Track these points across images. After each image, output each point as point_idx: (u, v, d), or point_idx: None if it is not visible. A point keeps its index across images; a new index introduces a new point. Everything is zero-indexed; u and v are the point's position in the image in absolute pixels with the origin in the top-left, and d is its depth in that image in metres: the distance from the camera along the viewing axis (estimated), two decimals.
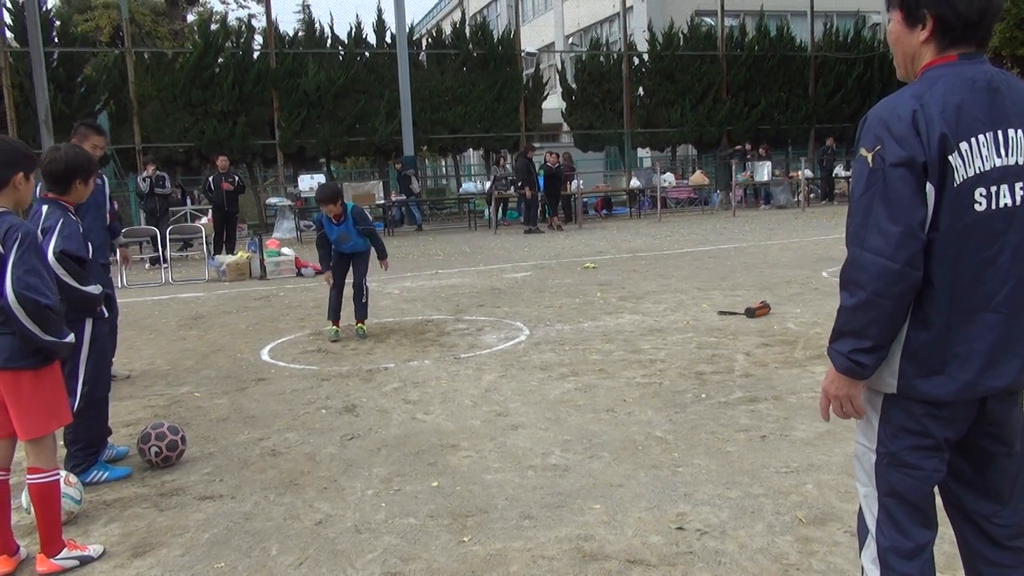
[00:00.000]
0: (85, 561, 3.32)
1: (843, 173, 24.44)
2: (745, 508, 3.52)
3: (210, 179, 15.21)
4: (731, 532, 3.30)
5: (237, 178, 15.50)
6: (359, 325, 7.68)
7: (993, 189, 1.87)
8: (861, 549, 2.15)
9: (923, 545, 2.05)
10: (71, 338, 3.28)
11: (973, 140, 1.86)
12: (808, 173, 23.58)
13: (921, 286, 1.88)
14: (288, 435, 4.84)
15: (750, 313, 7.64)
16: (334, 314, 7.59)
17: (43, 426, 3.25)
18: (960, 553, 2.19)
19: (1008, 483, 2.07)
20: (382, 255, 7.73)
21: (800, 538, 3.22)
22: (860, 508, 2.14)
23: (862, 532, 2.14)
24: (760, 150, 24.08)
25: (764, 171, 22.74)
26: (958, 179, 1.85)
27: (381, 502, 3.79)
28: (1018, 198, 1.90)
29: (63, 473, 3.73)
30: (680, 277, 10.40)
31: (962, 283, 1.89)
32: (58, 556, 3.27)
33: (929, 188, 1.84)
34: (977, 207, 1.86)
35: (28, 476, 3.26)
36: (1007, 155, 1.88)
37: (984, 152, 1.86)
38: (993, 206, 1.87)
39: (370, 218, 8.09)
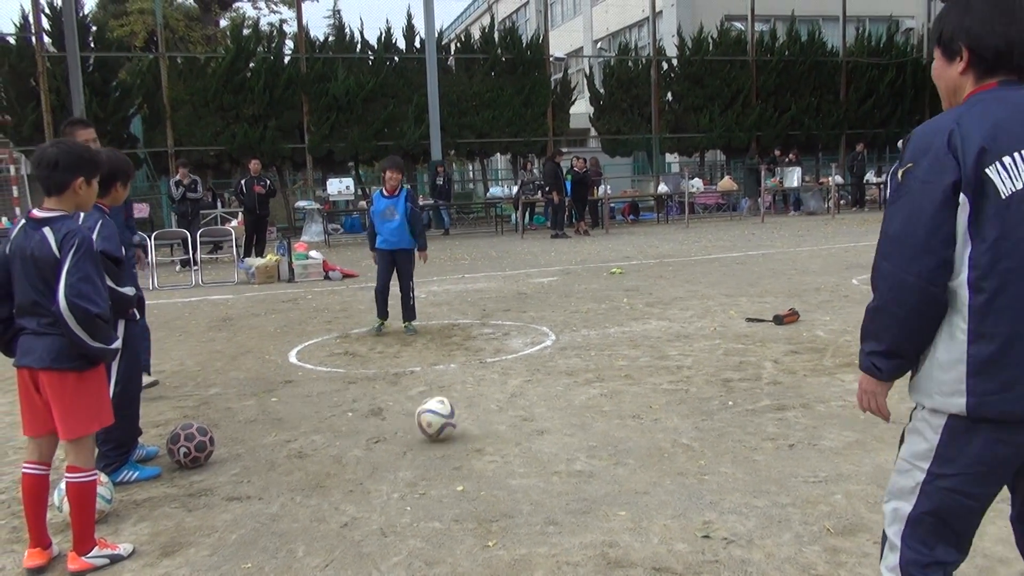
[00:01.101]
0: (115, 560, 3.36)
1: (874, 180, 24.18)
2: (772, 517, 3.49)
3: (242, 182, 15.39)
4: (758, 541, 3.27)
5: (268, 182, 15.67)
6: (407, 324, 7.97)
7: None
8: (881, 559, 2.16)
9: (948, 564, 2.05)
10: (118, 343, 3.33)
11: (1017, 154, 1.87)
12: (839, 179, 23.36)
13: (980, 298, 1.88)
14: (315, 437, 4.87)
15: (778, 320, 7.57)
16: (382, 312, 8.02)
17: (84, 427, 3.30)
18: None
19: None
20: (422, 246, 8.02)
21: (828, 548, 3.19)
22: (887, 518, 2.15)
23: (885, 543, 2.15)
24: (790, 156, 23.88)
25: (794, 177, 22.55)
26: (1005, 191, 1.86)
27: (406, 505, 3.80)
28: None
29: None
30: (707, 283, 10.34)
31: (1018, 300, 1.87)
32: (89, 554, 3.32)
33: (963, 200, 1.87)
34: None
35: (67, 475, 3.32)
36: None
37: None
38: None
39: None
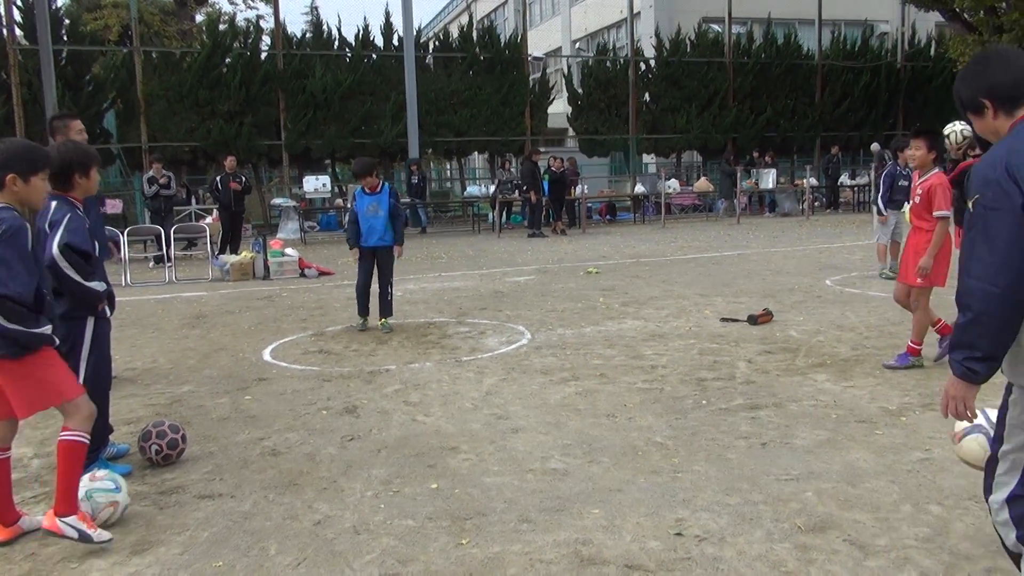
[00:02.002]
0: (84, 539, 3.37)
1: (848, 182, 24.43)
2: (744, 515, 3.51)
3: (217, 179, 15.24)
4: (730, 539, 3.29)
5: (244, 178, 15.53)
6: (383, 321, 7.99)
7: None
8: (989, 494, 2.50)
9: None
10: (46, 329, 3.32)
11: None
12: (813, 181, 23.57)
13: None
14: (288, 435, 4.85)
15: (752, 320, 7.63)
16: (363, 310, 8.03)
17: (41, 404, 3.42)
18: None
19: None
20: (399, 240, 8.08)
21: (799, 546, 3.22)
22: (991, 462, 2.52)
23: (989, 480, 2.50)
24: (766, 158, 24.06)
25: (769, 179, 22.73)
26: None
27: (380, 503, 3.79)
28: None
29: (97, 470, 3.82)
30: (683, 283, 10.40)
31: None
32: (65, 518, 3.37)
33: None
34: None
35: (60, 433, 3.44)
36: None
37: None
38: None
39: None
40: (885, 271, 10.13)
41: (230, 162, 15.37)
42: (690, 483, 3.89)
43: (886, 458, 4.13)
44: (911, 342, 5.92)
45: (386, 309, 8.00)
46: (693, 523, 3.45)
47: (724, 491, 3.77)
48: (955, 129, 7.03)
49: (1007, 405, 2.47)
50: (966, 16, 21.14)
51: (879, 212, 10.49)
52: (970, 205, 2.28)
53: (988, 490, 2.53)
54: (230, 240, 15.00)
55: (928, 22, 28.81)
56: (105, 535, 3.44)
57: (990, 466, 2.54)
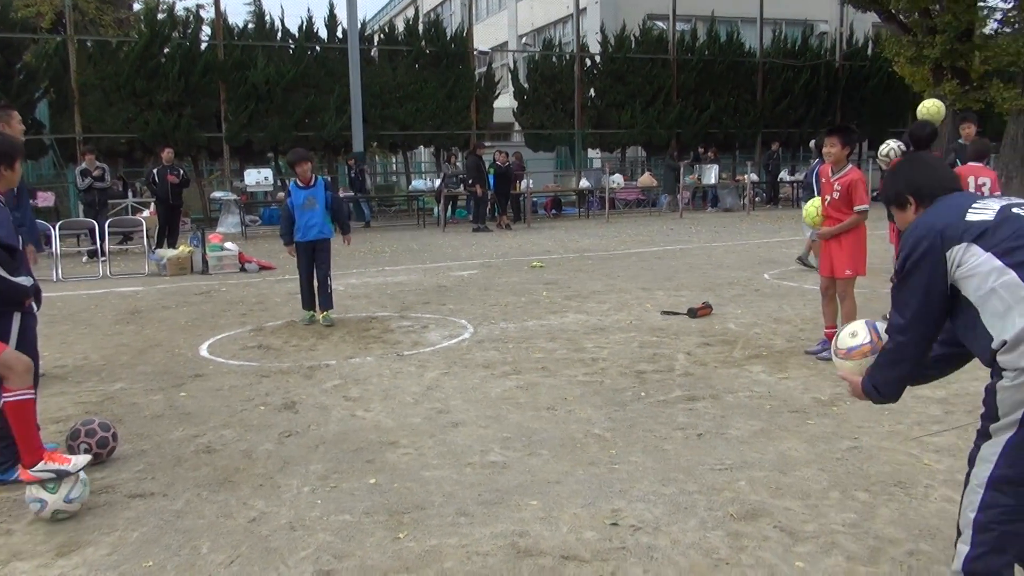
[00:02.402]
0: (61, 473, 3.49)
1: (788, 178, 24.91)
2: (679, 504, 3.56)
3: (154, 171, 14.86)
4: (664, 528, 3.34)
5: (182, 171, 15.17)
6: (324, 314, 7.92)
7: (1018, 211, 2.43)
8: (971, 470, 2.45)
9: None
10: None
11: (979, 202, 2.49)
12: (754, 177, 23.99)
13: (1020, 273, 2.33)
14: (224, 432, 4.76)
15: (692, 313, 7.74)
16: (308, 302, 7.96)
17: None
18: None
19: None
20: (346, 230, 8.11)
21: (731, 533, 3.27)
22: (979, 441, 2.45)
23: (973, 453, 2.45)
24: (709, 153, 24.41)
25: (711, 174, 23.05)
26: (991, 215, 2.43)
27: (317, 499, 3.75)
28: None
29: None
30: (625, 277, 10.50)
31: None
32: (35, 468, 3.48)
33: (959, 248, 2.41)
34: (1019, 213, 2.42)
35: (3, 396, 3.57)
36: (1012, 199, 2.53)
37: (992, 200, 2.52)
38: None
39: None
40: (810, 260, 10.41)
41: (167, 154, 15.00)
42: (627, 474, 3.93)
43: (817, 447, 4.23)
44: (827, 328, 6.07)
45: (327, 302, 7.94)
46: (629, 513, 3.49)
47: (660, 481, 3.82)
48: (891, 147, 7.37)
49: (995, 388, 2.41)
50: (901, 17, 21.69)
51: None
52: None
53: (972, 458, 2.51)
54: (167, 234, 14.67)
55: (865, 23, 29.52)
56: (82, 460, 3.61)
57: (978, 436, 2.51)
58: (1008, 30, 21.95)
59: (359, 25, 21.58)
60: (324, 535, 3.38)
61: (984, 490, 2.38)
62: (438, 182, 21.18)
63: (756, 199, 24.06)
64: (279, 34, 22.25)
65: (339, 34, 22.44)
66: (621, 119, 25.23)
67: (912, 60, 20.94)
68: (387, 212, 24.35)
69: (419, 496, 3.75)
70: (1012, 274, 2.31)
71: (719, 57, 26.19)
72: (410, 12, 31.27)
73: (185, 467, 4.23)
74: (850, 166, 6.00)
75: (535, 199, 22.27)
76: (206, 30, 22.42)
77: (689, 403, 5.04)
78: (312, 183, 7.81)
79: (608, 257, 12.81)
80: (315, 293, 7.92)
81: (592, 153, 28.09)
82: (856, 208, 5.88)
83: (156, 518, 3.61)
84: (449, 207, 20.92)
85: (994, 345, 2.37)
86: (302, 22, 22.33)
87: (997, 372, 2.40)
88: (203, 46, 21.51)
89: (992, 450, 2.39)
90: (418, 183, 24.33)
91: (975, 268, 2.36)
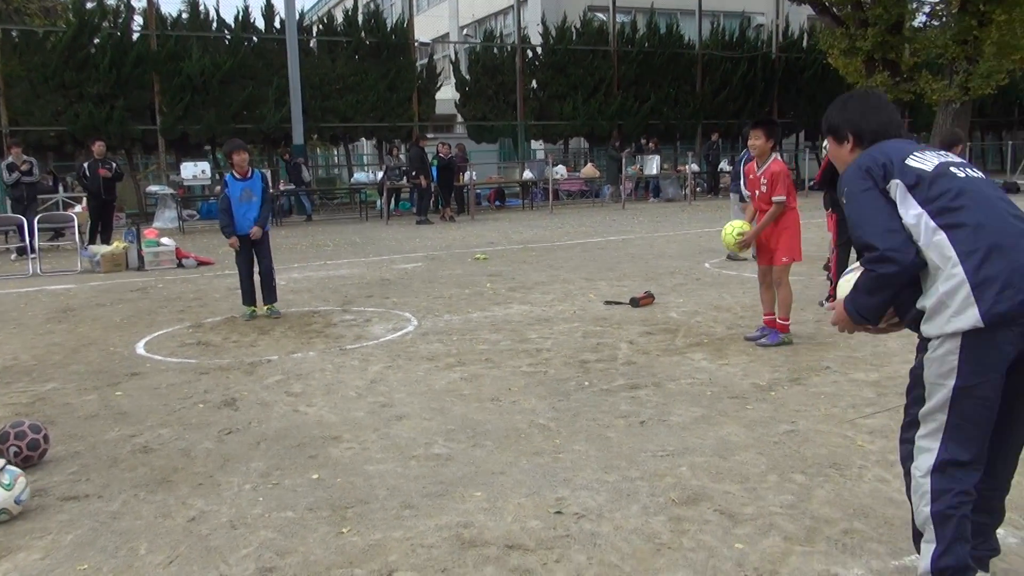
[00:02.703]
0: None
1: (728, 168, 25.32)
2: (622, 491, 3.60)
3: (84, 165, 14.39)
4: (607, 514, 3.37)
5: (115, 165, 14.72)
6: (269, 306, 7.83)
7: (959, 168, 2.48)
8: (914, 463, 2.50)
9: (979, 462, 2.44)
10: None
11: (919, 153, 2.53)
12: (695, 167, 24.33)
13: (958, 233, 2.36)
14: (162, 431, 4.66)
15: (635, 303, 7.82)
16: (248, 298, 7.81)
17: None
18: None
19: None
20: (261, 222, 7.80)
21: (673, 518, 3.32)
22: (908, 427, 2.54)
23: (909, 447, 2.53)
24: (650, 144, 24.66)
25: (653, 165, 23.30)
26: (929, 168, 2.46)
27: (258, 496, 3.70)
28: (978, 173, 2.53)
29: None
30: (569, 268, 10.56)
31: (985, 222, 2.36)
32: None
33: (895, 182, 2.47)
34: (959, 175, 2.45)
35: None
36: (950, 157, 2.54)
37: (930, 155, 2.52)
38: (969, 175, 2.48)
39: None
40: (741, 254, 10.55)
41: (98, 147, 14.54)
42: (571, 463, 3.96)
43: (755, 431, 4.31)
44: (779, 319, 6.20)
45: (270, 295, 7.84)
46: (572, 501, 3.51)
47: (603, 469, 3.86)
48: None
49: (922, 363, 2.49)
50: (835, 10, 22.18)
51: (741, 199, 10.89)
52: (844, 200, 2.54)
53: (908, 456, 2.55)
54: (100, 230, 14.25)
55: (801, 15, 30.11)
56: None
57: (906, 429, 2.56)
58: (936, 23, 22.66)
59: (297, 15, 21.24)
60: (266, 532, 3.34)
61: (931, 477, 2.43)
62: (380, 174, 21.01)
63: (697, 189, 24.41)
64: (214, 24, 21.79)
65: (277, 24, 22.07)
66: (563, 110, 25.32)
67: (845, 52, 21.45)
68: (329, 205, 24.07)
69: (363, 490, 3.72)
70: (943, 235, 2.35)
71: (659, 49, 26.47)
72: (349, 2, 30.90)
73: (121, 468, 4.12)
74: (774, 157, 6.11)
75: (478, 191, 22.23)
76: (138, 20, 21.84)
77: (632, 391, 5.10)
78: (249, 175, 7.68)
79: (552, 248, 12.86)
80: (255, 288, 7.80)
81: (535, 144, 28.15)
82: (774, 199, 6.00)
83: (91, 520, 3.52)
84: (392, 200, 20.77)
85: (918, 306, 2.45)
86: (238, 12, 21.91)
87: (923, 345, 2.47)
88: (135, 36, 20.93)
89: (930, 436, 2.45)
90: (360, 176, 24.10)
91: (908, 219, 2.41)
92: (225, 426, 4.70)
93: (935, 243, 2.37)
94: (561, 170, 23.48)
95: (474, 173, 21.28)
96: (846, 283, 2.71)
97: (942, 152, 2.56)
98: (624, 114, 25.79)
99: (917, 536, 2.53)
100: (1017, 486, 3.49)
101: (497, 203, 23.54)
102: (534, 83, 25.59)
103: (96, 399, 5.35)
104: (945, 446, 2.43)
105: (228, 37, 21.75)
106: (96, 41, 20.19)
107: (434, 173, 19.18)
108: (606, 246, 12.90)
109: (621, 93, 25.90)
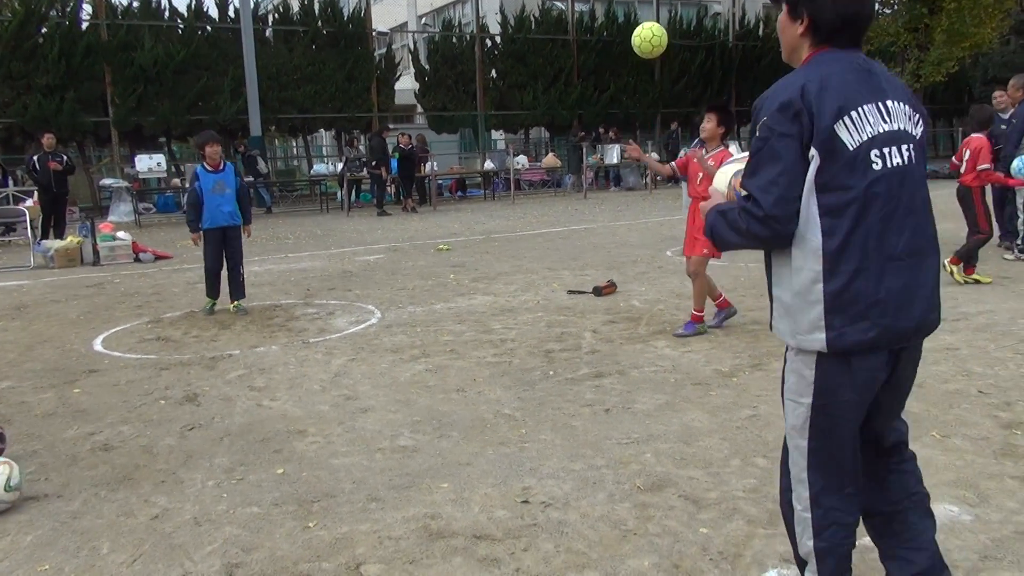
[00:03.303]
0: None
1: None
2: (587, 479, 3.63)
3: (34, 158, 14.03)
4: (573, 503, 3.40)
5: (65, 157, 14.36)
6: (237, 303, 7.69)
7: (885, 151, 2.13)
8: (792, 496, 2.34)
9: (853, 486, 2.29)
10: None
11: (860, 109, 2.11)
12: (655, 156, 24.48)
13: (833, 242, 2.09)
14: (122, 428, 4.59)
15: (597, 292, 7.86)
16: (213, 290, 7.68)
17: None
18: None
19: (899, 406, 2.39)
20: (248, 220, 7.81)
21: (638, 504, 3.36)
22: (786, 459, 2.36)
23: (786, 482, 2.36)
24: (611, 133, 24.76)
25: (614, 154, 23.41)
26: (852, 143, 2.09)
27: (223, 493, 3.66)
28: (905, 158, 2.17)
29: None
30: (532, 258, 10.58)
31: (871, 236, 2.10)
32: None
33: (813, 153, 2.08)
34: (875, 167, 2.11)
35: None
36: (891, 121, 2.16)
37: (871, 119, 2.12)
38: (888, 165, 2.13)
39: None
40: None
41: (48, 139, 14.16)
42: (536, 452, 3.98)
43: (719, 417, 4.37)
44: (694, 310, 6.23)
45: (238, 291, 7.71)
46: (539, 490, 3.54)
47: (569, 458, 3.89)
48: None
49: (783, 376, 2.31)
50: None
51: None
52: (758, 128, 2.15)
53: (786, 489, 2.38)
54: (53, 224, 13.92)
55: (756, 4, 30.49)
56: None
57: (783, 463, 2.40)
58: (888, 11, 23.04)
59: (252, 4, 20.92)
60: (231, 528, 3.31)
61: (811, 512, 2.29)
62: (340, 166, 20.83)
63: (657, 178, 24.56)
64: (167, 13, 21.37)
65: (231, 13, 21.71)
66: (523, 100, 25.31)
67: None
68: (289, 197, 23.81)
69: (328, 484, 3.71)
70: (818, 237, 2.10)
71: (617, 38, 26.55)
72: None
73: (81, 466, 4.06)
74: (723, 146, 6.08)
75: (440, 181, 22.16)
76: (87, 8, 21.31)
77: (596, 380, 5.14)
78: (221, 167, 7.56)
79: (514, 238, 12.87)
80: (220, 281, 7.67)
81: (496, 135, 28.12)
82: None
83: (51, 520, 3.46)
84: (353, 191, 20.61)
85: (773, 291, 2.27)
86: (191, 1, 21.50)
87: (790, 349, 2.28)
88: (84, 26, 20.45)
89: (797, 464, 2.31)
90: (320, 167, 23.87)
91: (806, 205, 2.12)
92: (187, 422, 4.64)
93: (809, 239, 2.12)
94: (522, 160, 23.49)
95: (435, 163, 21.19)
96: (723, 176, 2.52)
97: (886, 103, 2.16)
98: (584, 103, 25.86)
99: (801, 565, 2.41)
100: (970, 465, 3.60)
101: (459, 194, 23.48)
102: (494, 73, 25.54)
103: (53, 397, 5.25)
104: (815, 474, 2.27)
105: (181, 26, 21.37)
106: (44, 31, 19.69)
107: (394, 164, 19.06)
108: (568, 235, 12.95)
109: (581, 82, 25.96)
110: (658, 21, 27.27)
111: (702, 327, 6.20)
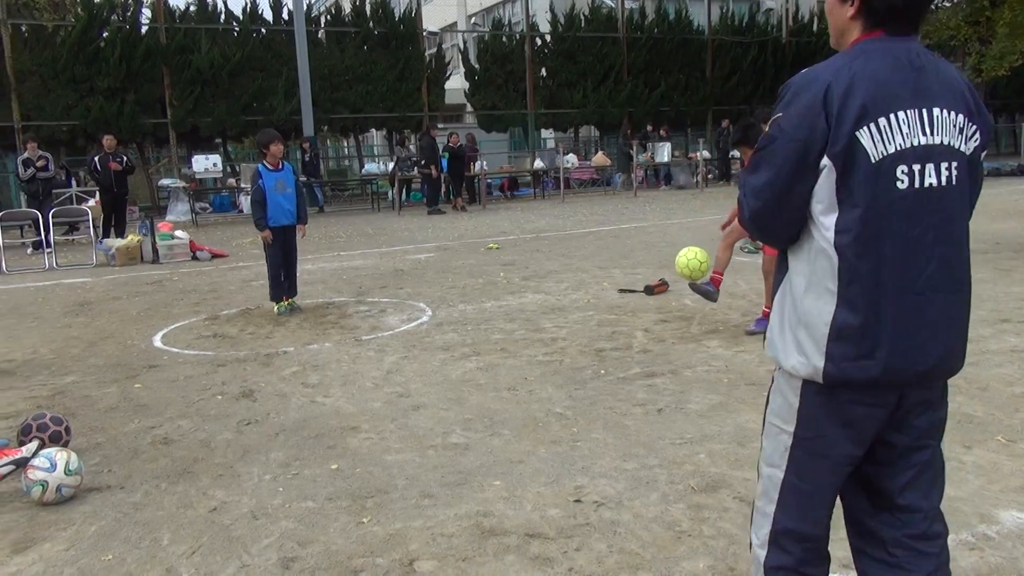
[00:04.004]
0: (20, 463, 3.57)
1: (738, 154, 25.24)
2: (640, 479, 3.61)
3: (95, 159, 14.44)
4: (627, 503, 3.38)
5: (125, 158, 14.75)
6: (290, 300, 7.77)
7: (916, 168, 1.82)
8: (752, 526, 2.09)
9: (819, 535, 2.01)
10: None
11: (892, 116, 1.80)
12: (706, 154, 24.22)
13: (844, 265, 1.82)
14: (181, 423, 4.69)
15: (649, 291, 7.80)
16: (277, 294, 7.70)
17: None
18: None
19: (919, 483, 2.01)
20: (304, 219, 7.88)
21: (692, 505, 3.33)
22: (760, 485, 2.08)
23: (754, 511, 2.10)
24: (661, 131, 24.57)
25: (664, 152, 23.21)
26: (875, 155, 1.79)
27: (278, 487, 3.72)
28: (943, 178, 1.84)
29: None
30: (582, 256, 10.54)
31: (887, 263, 1.81)
32: None
33: (828, 164, 1.81)
34: (899, 185, 1.81)
35: None
36: (932, 134, 1.83)
37: (905, 129, 1.81)
38: (916, 185, 1.82)
39: None
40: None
41: (108, 141, 14.55)
42: (589, 451, 3.96)
43: None
44: (765, 307, 6.17)
45: (292, 288, 7.81)
46: (592, 490, 3.52)
47: (621, 457, 3.86)
48: None
49: (768, 397, 2.07)
50: None
51: None
52: (770, 124, 1.92)
53: (751, 517, 2.13)
54: (115, 223, 14.31)
55: None
56: (32, 444, 3.68)
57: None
58: (948, 4, 22.44)
59: (305, 6, 21.24)
60: (287, 522, 3.36)
61: (766, 549, 2.03)
62: (391, 165, 21.02)
63: (709, 176, 24.29)
64: (223, 16, 21.82)
65: (285, 16, 22.06)
66: (573, 98, 25.25)
67: None
68: (340, 196, 24.10)
69: (382, 480, 3.74)
70: (834, 256, 1.84)
71: (668, 35, 26.34)
72: None
73: (142, 459, 4.16)
74: None
75: (490, 180, 22.22)
76: (146, 13, 21.86)
77: (648, 379, 5.10)
78: (281, 167, 7.66)
79: (564, 237, 12.85)
80: (283, 281, 7.73)
81: (545, 133, 28.10)
82: None
83: (114, 511, 3.55)
84: (404, 190, 20.79)
85: (775, 298, 2.04)
86: (246, 4, 21.91)
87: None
88: (143, 29, 20.97)
89: (765, 494, 2.04)
90: (371, 166, 24.10)
91: (821, 219, 1.86)
92: (244, 417, 4.73)
93: (818, 258, 1.87)
94: (572, 158, 23.43)
95: (485, 162, 21.25)
96: None
97: (933, 112, 1.85)
98: (634, 101, 25.69)
99: None
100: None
101: (509, 193, 23.51)
102: (543, 71, 25.52)
103: (115, 391, 5.39)
104: (781, 511, 1.99)
105: (237, 29, 21.78)
106: (105, 35, 20.24)
107: (444, 163, 19.17)
108: (619, 234, 12.88)
109: (631, 80, 25.79)
110: (709, 17, 27.03)
111: None
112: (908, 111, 1.81)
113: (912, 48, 1.87)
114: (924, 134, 1.82)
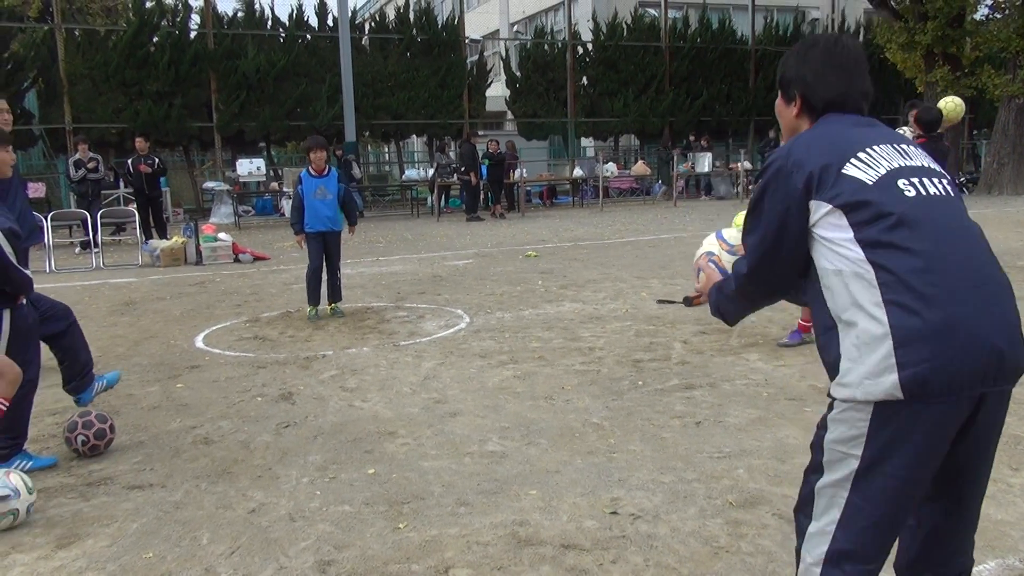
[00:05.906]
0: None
1: None
2: (678, 492, 3.57)
3: (128, 162, 14.66)
4: (664, 516, 3.35)
5: (156, 160, 14.79)
6: (334, 305, 7.81)
7: (915, 180, 1.92)
8: (804, 543, 2.00)
9: (881, 558, 1.97)
10: None
11: (870, 149, 1.95)
12: (747, 165, 24.00)
13: (885, 274, 1.83)
14: (222, 423, 4.76)
15: (688, 302, 7.67)
16: (314, 298, 7.72)
17: None
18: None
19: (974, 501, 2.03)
20: (352, 220, 7.96)
21: (730, 521, 3.29)
22: (806, 499, 2.01)
23: (804, 523, 2.01)
24: (702, 141, 24.41)
25: (705, 162, 23.06)
26: (871, 178, 1.90)
27: (316, 490, 3.75)
28: (941, 190, 1.94)
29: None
30: (620, 266, 10.50)
31: (927, 258, 1.83)
32: None
33: (824, 206, 1.91)
34: (907, 193, 1.89)
35: None
36: (912, 159, 1.98)
37: (887, 155, 1.95)
38: (923, 193, 1.91)
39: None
40: None
41: (140, 143, 14.69)
42: (625, 463, 3.94)
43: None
44: (801, 320, 6.09)
45: (336, 294, 7.84)
46: (628, 502, 3.50)
47: (659, 470, 3.83)
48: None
49: (826, 424, 1.98)
50: (893, 3, 21.70)
51: None
52: (758, 185, 2.07)
53: (800, 534, 2.04)
54: (153, 225, 14.46)
55: (857, 9, 29.51)
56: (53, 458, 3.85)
57: (803, 502, 2.05)
58: (999, 16, 22.00)
59: (349, 13, 21.49)
60: (324, 525, 3.38)
61: (822, 568, 1.95)
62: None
63: (750, 187, 24.07)
64: (269, 22, 22.16)
65: (329, 22, 22.35)
66: (614, 107, 25.19)
67: (904, 46, 21.00)
68: (380, 202, 24.30)
69: (418, 486, 3.75)
70: (870, 271, 1.85)
71: (711, 44, 26.17)
72: (400, 0, 31.16)
73: (183, 458, 4.22)
74: None
75: (529, 188, 22.24)
76: (195, 18, 22.29)
77: (686, 391, 5.06)
78: (326, 172, 7.71)
79: (603, 246, 12.81)
80: (320, 286, 7.75)
81: (585, 142, 28.07)
82: None
83: (155, 509, 3.60)
84: (443, 197, 20.89)
85: (821, 349, 2.01)
86: (292, 10, 22.24)
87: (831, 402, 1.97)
88: (192, 35, 21.38)
89: (824, 515, 1.96)
90: (411, 172, 24.27)
91: (834, 244, 1.91)
92: (282, 419, 4.78)
93: (858, 277, 1.86)
94: (612, 167, 23.37)
95: (524, 170, 21.29)
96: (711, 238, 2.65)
97: (902, 146, 2.00)
98: (676, 111, 25.56)
99: None
100: None
101: (549, 200, 23.51)
102: (584, 80, 25.50)
103: (158, 391, 5.48)
104: (842, 532, 1.92)
105: (283, 35, 22.09)
106: (155, 40, 20.67)
107: (484, 170, 19.24)
108: (658, 244, 12.81)
109: (673, 89, 25.67)
110: (753, 27, 26.85)
111: (808, 337, 6.05)
112: (881, 145, 1.97)
113: (862, 117, 2.09)
114: (903, 159, 1.96)
